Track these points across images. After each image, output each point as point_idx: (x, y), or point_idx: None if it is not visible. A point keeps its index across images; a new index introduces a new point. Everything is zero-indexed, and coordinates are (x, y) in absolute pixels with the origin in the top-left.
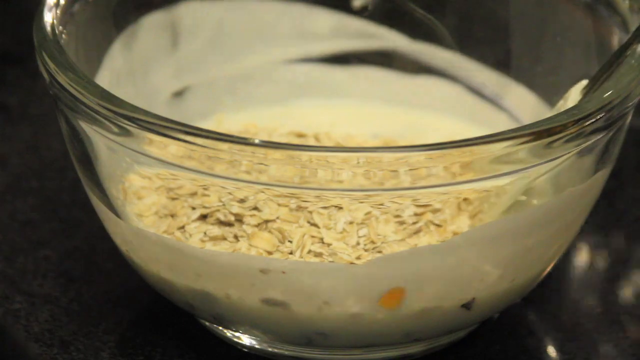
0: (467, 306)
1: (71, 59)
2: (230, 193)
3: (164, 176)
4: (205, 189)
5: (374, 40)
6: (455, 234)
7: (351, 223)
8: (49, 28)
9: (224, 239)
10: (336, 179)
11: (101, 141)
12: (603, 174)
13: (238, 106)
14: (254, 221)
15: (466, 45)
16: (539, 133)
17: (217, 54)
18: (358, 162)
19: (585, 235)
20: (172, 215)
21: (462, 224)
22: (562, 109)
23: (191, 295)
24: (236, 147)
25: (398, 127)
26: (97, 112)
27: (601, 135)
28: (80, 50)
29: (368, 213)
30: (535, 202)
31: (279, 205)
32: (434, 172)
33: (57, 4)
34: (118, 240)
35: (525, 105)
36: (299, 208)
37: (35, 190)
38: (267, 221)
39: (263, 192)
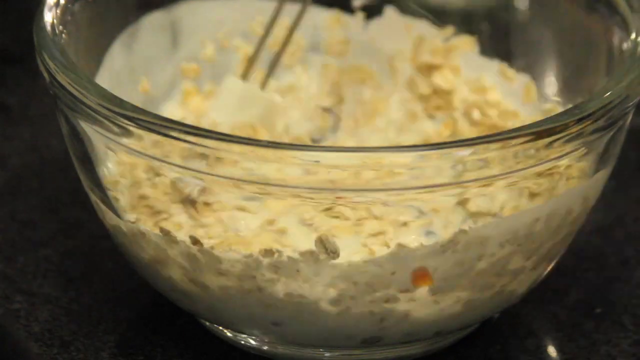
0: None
1: (71, 58)
2: (230, 192)
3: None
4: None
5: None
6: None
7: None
8: (49, 28)
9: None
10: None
11: (101, 141)
12: (603, 174)
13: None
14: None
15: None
16: (539, 133)
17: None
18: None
19: (585, 235)
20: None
21: (456, 223)
22: None
23: (192, 295)
24: (240, 148)
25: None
26: (97, 112)
27: (601, 135)
28: (80, 50)
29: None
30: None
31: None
32: (434, 172)
33: (57, 4)
34: (118, 240)
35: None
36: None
37: (35, 190)
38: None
39: (269, 193)
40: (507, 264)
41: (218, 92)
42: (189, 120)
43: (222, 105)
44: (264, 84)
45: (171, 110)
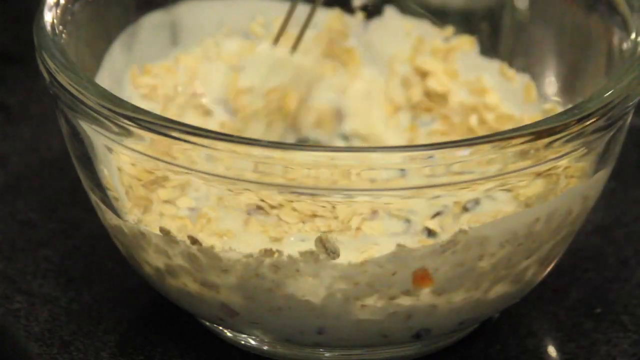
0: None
1: (71, 58)
2: (231, 191)
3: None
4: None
5: None
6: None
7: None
8: (49, 28)
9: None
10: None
11: (101, 141)
12: (603, 174)
13: None
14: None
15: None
16: (539, 133)
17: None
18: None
19: (585, 235)
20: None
21: (456, 223)
22: None
23: (192, 295)
24: (239, 148)
25: None
26: (97, 112)
27: (601, 135)
28: (80, 50)
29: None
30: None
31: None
32: (434, 172)
33: (57, 4)
34: (118, 239)
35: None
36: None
37: (35, 190)
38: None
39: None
40: (507, 264)
41: (250, 58)
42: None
43: (254, 71)
44: (294, 49)
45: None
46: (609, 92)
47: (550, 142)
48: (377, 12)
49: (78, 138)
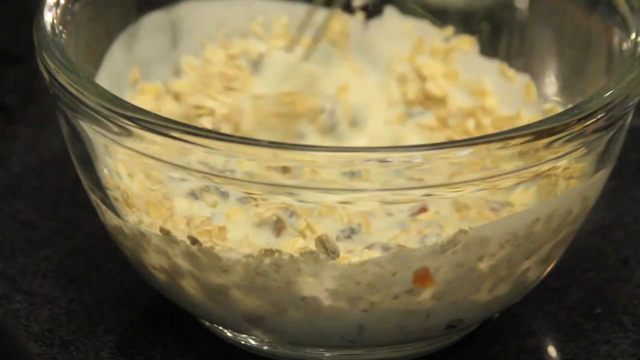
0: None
1: (71, 58)
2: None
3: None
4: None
5: None
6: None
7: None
8: (49, 28)
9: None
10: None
11: (101, 141)
12: (603, 174)
13: None
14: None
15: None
16: (539, 133)
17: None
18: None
19: (585, 235)
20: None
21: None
22: None
23: (192, 295)
24: (237, 147)
25: None
26: (97, 112)
27: (601, 135)
28: (80, 50)
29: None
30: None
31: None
32: (434, 172)
33: (57, 4)
34: (118, 240)
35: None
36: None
37: (35, 190)
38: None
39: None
40: (508, 264)
41: (264, 64)
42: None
43: (268, 78)
44: (306, 56)
45: None
46: (609, 92)
47: (550, 142)
48: (377, 12)
49: (78, 138)
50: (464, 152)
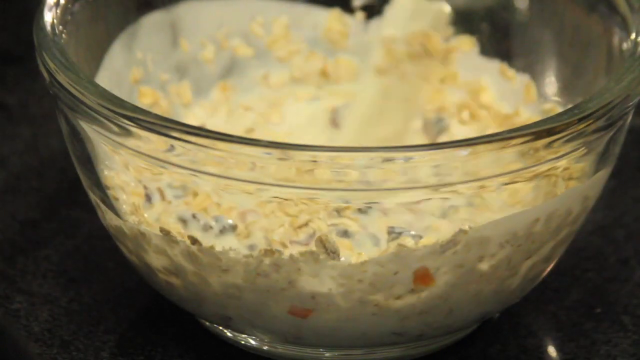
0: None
1: (71, 58)
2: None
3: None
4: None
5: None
6: (458, 233)
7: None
8: (49, 28)
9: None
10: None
11: (101, 141)
12: (603, 174)
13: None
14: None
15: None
16: (539, 133)
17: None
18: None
19: (585, 235)
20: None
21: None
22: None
23: (192, 296)
24: (238, 147)
25: None
26: (97, 111)
27: (601, 135)
28: (80, 50)
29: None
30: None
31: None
32: (434, 172)
33: (57, 4)
34: (118, 240)
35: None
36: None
37: (35, 190)
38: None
39: (268, 191)
40: (508, 264)
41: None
42: None
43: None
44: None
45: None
46: (609, 92)
47: (550, 142)
48: (377, 12)
49: (78, 138)
50: (463, 153)
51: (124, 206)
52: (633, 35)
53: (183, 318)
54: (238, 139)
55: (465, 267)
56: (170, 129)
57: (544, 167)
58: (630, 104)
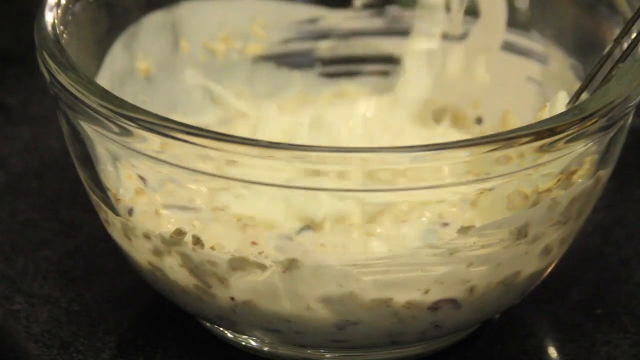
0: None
1: (72, 58)
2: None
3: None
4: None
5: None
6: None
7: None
8: (49, 28)
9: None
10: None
11: (101, 141)
12: (603, 174)
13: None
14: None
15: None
16: (540, 133)
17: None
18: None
19: (585, 235)
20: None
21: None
22: (548, 114)
23: (192, 296)
24: (238, 148)
25: None
26: (97, 112)
27: (602, 136)
28: (80, 50)
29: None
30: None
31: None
32: (434, 173)
33: (57, 4)
34: (118, 240)
35: None
36: None
37: (35, 190)
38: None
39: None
40: (508, 264)
41: None
42: None
43: None
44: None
45: None
46: (610, 92)
47: (552, 142)
48: (377, 12)
49: (78, 138)
50: (464, 153)
51: (124, 206)
52: (633, 35)
53: (183, 318)
54: (238, 139)
55: (466, 267)
56: (171, 129)
57: (544, 167)
58: (631, 104)
